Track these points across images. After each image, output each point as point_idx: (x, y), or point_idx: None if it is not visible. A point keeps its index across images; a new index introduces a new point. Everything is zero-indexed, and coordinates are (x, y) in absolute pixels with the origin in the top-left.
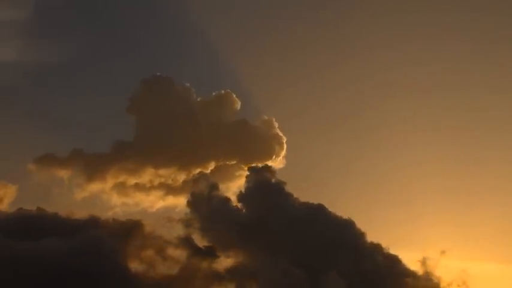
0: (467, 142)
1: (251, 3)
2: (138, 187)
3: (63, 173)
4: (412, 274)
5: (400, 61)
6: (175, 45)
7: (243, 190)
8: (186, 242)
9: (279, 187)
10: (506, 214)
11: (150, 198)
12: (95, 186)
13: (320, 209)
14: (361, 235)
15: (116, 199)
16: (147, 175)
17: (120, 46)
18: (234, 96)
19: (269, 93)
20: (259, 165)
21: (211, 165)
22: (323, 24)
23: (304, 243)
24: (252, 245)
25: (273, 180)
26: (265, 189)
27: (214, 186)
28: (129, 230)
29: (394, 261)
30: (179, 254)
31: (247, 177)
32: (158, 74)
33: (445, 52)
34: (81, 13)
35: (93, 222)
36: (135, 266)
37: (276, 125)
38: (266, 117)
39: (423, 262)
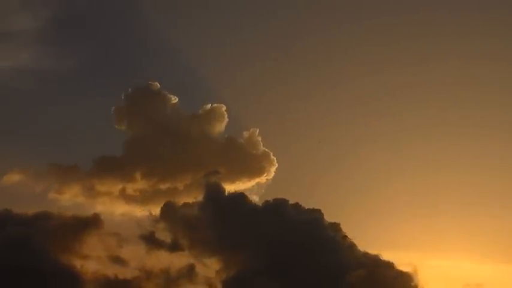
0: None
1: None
2: (111, 197)
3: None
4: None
5: (379, 76)
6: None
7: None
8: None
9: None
10: (485, 215)
11: (120, 208)
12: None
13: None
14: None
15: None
16: (122, 187)
17: (109, 59)
18: (224, 109)
19: (253, 107)
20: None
21: (188, 180)
22: (309, 40)
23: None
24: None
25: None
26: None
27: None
28: (83, 225)
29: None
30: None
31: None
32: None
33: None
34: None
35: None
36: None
37: (260, 138)
38: (246, 134)
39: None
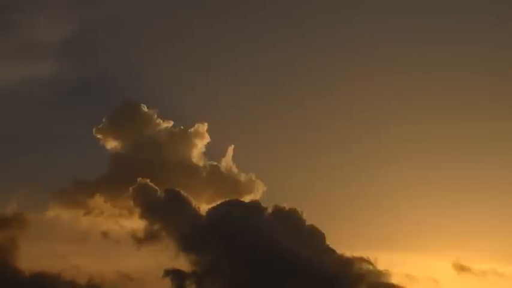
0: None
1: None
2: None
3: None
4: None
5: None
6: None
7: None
8: None
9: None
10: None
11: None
12: None
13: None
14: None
15: None
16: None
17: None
18: (205, 126)
19: (234, 126)
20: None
21: None
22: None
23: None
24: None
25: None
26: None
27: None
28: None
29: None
30: None
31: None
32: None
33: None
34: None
35: None
36: None
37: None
38: (225, 161)
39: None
